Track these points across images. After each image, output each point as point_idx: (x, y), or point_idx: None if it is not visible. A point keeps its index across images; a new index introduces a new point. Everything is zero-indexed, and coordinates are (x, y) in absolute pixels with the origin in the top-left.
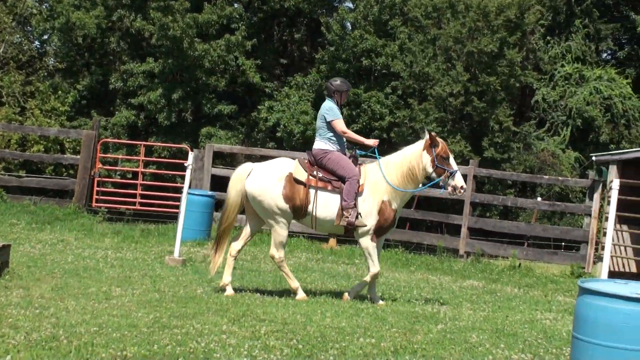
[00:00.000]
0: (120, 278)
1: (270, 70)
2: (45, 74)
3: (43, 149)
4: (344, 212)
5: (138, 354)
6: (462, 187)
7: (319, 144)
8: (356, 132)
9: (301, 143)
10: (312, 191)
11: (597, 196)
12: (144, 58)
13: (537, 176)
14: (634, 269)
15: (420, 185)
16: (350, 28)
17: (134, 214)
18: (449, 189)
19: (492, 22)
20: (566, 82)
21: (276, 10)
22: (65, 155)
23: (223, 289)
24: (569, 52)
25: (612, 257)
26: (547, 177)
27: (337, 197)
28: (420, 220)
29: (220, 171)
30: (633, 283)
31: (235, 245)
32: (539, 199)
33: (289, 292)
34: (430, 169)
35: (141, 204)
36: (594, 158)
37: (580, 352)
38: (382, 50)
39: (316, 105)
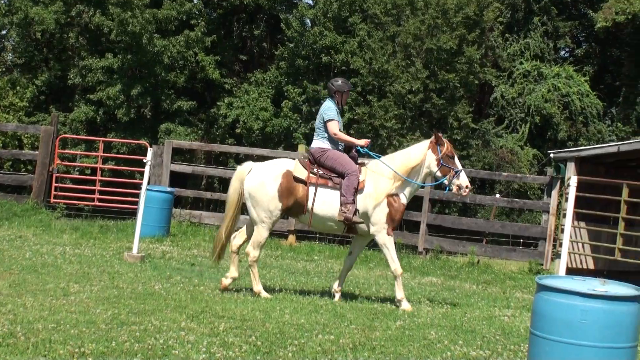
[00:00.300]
0: (79, 274)
1: (230, 67)
2: (4, 69)
3: (1, 145)
4: (342, 208)
5: (96, 350)
6: (467, 187)
7: (317, 143)
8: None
9: (260, 139)
10: (312, 189)
11: (555, 193)
12: (103, 54)
13: (495, 173)
14: (591, 266)
15: (426, 182)
16: (309, 25)
17: (92, 210)
18: (454, 188)
19: (451, 20)
20: (525, 79)
21: (236, 6)
22: (23, 151)
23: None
24: (528, 49)
25: (569, 253)
26: (505, 174)
27: (337, 193)
28: None
29: (179, 167)
30: (590, 280)
31: (235, 241)
32: (498, 195)
33: (248, 289)
34: (435, 168)
35: (100, 200)
36: (551, 155)
37: (537, 349)
38: (342, 47)
39: (276, 102)
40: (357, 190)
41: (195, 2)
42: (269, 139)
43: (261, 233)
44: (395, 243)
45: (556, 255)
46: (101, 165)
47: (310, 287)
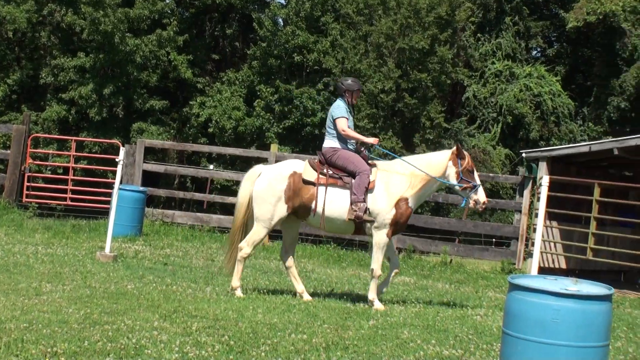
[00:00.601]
0: (51, 274)
1: (202, 66)
2: None
3: None
4: (353, 206)
5: (69, 350)
6: (484, 203)
7: (329, 142)
8: (288, 128)
9: (233, 139)
10: (321, 189)
11: (527, 192)
12: (75, 53)
13: None
14: (563, 265)
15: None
16: (282, 24)
17: (64, 210)
18: (471, 203)
19: (423, 19)
20: (497, 79)
21: (208, 5)
22: None
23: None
24: (500, 49)
25: (542, 253)
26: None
27: (348, 193)
28: None
29: (151, 167)
30: (562, 279)
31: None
32: None
33: (222, 288)
34: (454, 181)
35: (72, 200)
36: (523, 154)
37: (510, 348)
38: (314, 47)
39: (248, 102)
40: (368, 189)
41: (168, 1)
42: (241, 139)
43: (259, 232)
44: (367, 243)
45: (528, 255)
46: (73, 165)
47: (283, 286)
